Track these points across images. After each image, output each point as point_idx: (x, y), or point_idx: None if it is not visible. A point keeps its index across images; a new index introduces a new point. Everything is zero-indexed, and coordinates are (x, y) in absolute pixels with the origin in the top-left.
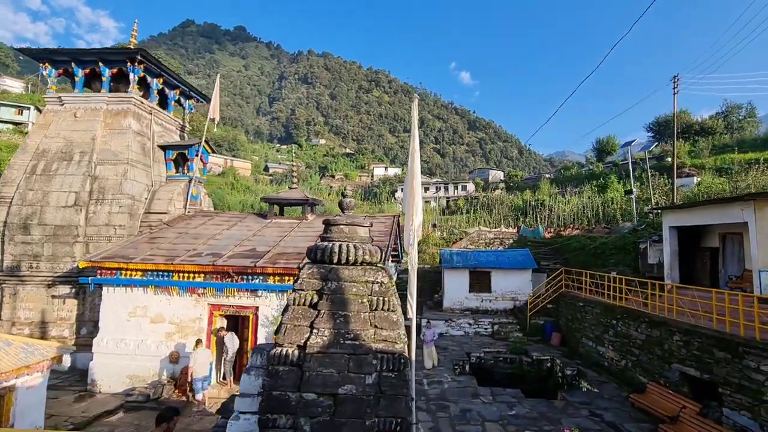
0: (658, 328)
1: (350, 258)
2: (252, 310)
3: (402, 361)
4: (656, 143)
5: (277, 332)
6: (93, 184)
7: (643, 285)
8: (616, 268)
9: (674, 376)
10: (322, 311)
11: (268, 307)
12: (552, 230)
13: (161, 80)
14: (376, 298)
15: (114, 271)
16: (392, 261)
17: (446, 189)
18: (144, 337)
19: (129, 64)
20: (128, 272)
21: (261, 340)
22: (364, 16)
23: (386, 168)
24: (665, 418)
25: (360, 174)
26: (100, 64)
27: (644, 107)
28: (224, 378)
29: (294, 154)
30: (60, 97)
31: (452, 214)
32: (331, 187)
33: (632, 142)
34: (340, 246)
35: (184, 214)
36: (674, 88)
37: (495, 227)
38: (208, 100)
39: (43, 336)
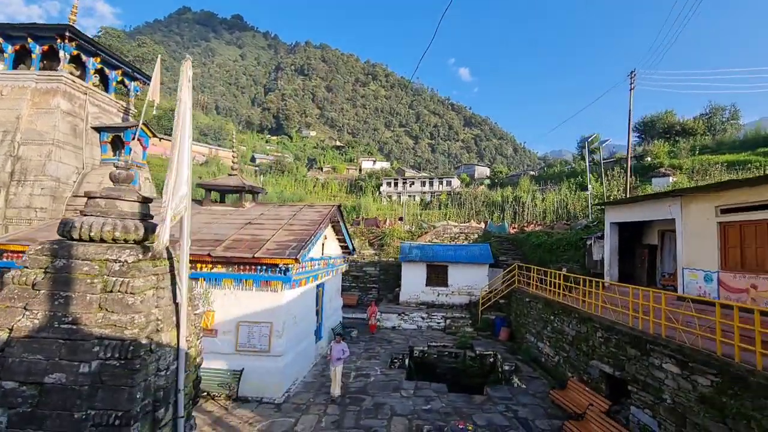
0: (585, 325)
1: (93, 234)
2: None
3: (131, 348)
4: (641, 143)
5: None
6: (15, 165)
7: (582, 282)
8: (566, 264)
9: (595, 373)
10: (41, 291)
11: None
12: (516, 226)
13: (98, 59)
14: (114, 279)
15: (20, 255)
16: (342, 251)
17: (431, 184)
18: None
19: (59, 40)
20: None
21: None
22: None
23: (374, 162)
24: (573, 414)
25: (348, 167)
26: (29, 40)
27: (638, 107)
28: None
29: (282, 145)
30: None
31: (433, 209)
32: (317, 179)
33: (589, 138)
34: (83, 221)
35: None
36: (630, 83)
37: (465, 222)
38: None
39: None
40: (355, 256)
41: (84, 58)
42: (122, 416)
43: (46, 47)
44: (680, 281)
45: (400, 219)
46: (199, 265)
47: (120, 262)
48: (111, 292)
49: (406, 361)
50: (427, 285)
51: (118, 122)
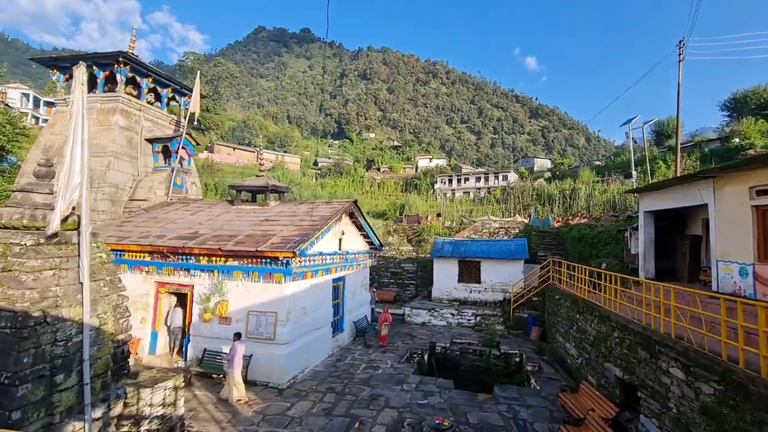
0: (604, 324)
1: (4, 221)
2: (189, 288)
3: (20, 319)
4: (729, 123)
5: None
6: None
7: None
8: (606, 260)
9: (611, 377)
10: None
11: (201, 285)
12: (561, 219)
13: (150, 80)
14: (13, 259)
15: None
16: (370, 247)
17: (486, 179)
18: None
19: (116, 66)
20: None
21: (195, 317)
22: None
23: (431, 159)
24: (572, 419)
25: (405, 166)
26: (94, 67)
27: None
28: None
29: (343, 149)
30: (65, 99)
31: (486, 204)
32: (374, 179)
33: (633, 119)
34: (1, 212)
35: (166, 201)
36: (679, 55)
37: (509, 217)
38: (202, 97)
39: None
40: (394, 252)
41: (138, 79)
42: (10, 377)
43: (107, 72)
44: (714, 276)
45: (438, 215)
46: (214, 259)
47: (21, 245)
48: (9, 271)
49: (425, 356)
50: (459, 281)
51: (169, 134)
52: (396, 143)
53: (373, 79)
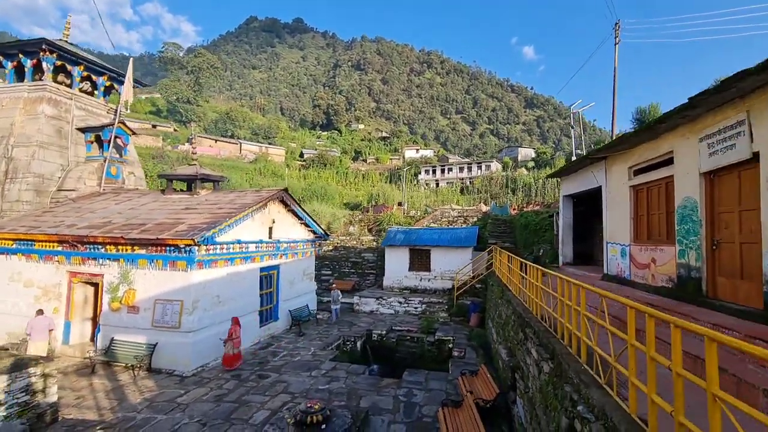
0: (509, 308)
1: None
2: (100, 277)
3: None
4: None
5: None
6: (9, 165)
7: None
8: (543, 246)
9: (504, 359)
10: None
11: (110, 274)
12: (516, 207)
13: (82, 68)
14: None
15: None
16: (314, 236)
17: (470, 169)
18: (18, 299)
19: (42, 53)
20: (4, 241)
21: (105, 307)
22: None
23: (417, 150)
24: (451, 401)
25: (392, 157)
26: (20, 55)
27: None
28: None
29: (332, 140)
30: None
31: (467, 194)
32: (359, 170)
33: (574, 105)
34: None
35: (97, 191)
36: (615, 37)
37: (472, 206)
38: (142, 85)
39: None
40: (355, 242)
41: (69, 67)
42: None
43: (35, 61)
44: (605, 258)
45: (399, 204)
46: (121, 248)
47: None
48: None
49: (358, 344)
50: (410, 270)
51: (104, 123)
52: (384, 134)
53: (367, 70)
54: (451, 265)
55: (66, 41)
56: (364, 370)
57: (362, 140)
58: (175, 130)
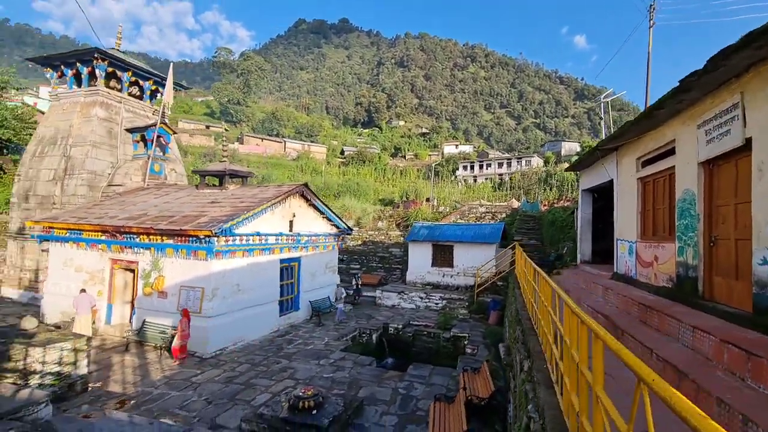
0: (515, 304)
1: None
2: (135, 264)
3: None
4: None
5: None
6: (67, 163)
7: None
8: (568, 243)
9: (504, 357)
10: None
11: (144, 262)
12: (547, 203)
13: (130, 73)
14: None
15: (48, 229)
16: (336, 230)
17: (509, 165)
18: (70, 282)
19: (95, 61)
20: (59, 230)
21: (139, 291)
22: None
23: (457, 146)
24: (444, 396)
25: (430, 153)
26: (78, 64)
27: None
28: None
29: (372, 137)
30: (57, 94)
31: (505, 190)
32: (397, 166)
33: (605, 95)
34: None
35: (141, 186)
36: (650, 20)
37: (503, 202)
38: (183, 88)
39: (36, 279)
40: (383, 237)
41: (119, 73)
42: None
43: (89, 68)
44: (615, 256)
45: (427, 200)
46: (152, 237)
47: None
48: None
49: (374, 336)
50: (433, 265)
51: (149, 123)
52: (425, 130)
53: (410, 66)
54: (474, 262)
55: (117, 50)
56: (370, 362)
57: (402, 137)
58: (225, 129)
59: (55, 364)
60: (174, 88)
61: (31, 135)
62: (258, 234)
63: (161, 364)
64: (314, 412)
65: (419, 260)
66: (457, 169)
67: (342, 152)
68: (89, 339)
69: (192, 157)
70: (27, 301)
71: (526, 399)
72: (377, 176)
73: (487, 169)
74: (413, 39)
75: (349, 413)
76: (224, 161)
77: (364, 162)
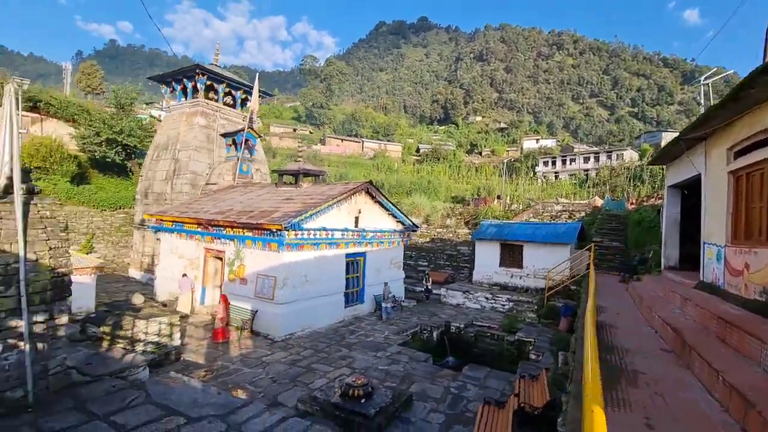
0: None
1: None
2: (222, 253)
3: None
4: None
5: None
6: (176, 165)
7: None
8: (654, 246)
9: (561, 366)
10: None
11: (229, 251)
12: (635, 201)
13: (225, 85)
14: None
15: (159, 221)
16: (402, 227)
17: (597, 159)
18: (175, 267)
19: (197, 76)
20: (166, 222)
21: (226, 278)
22: None
23: (537, 140)
24: (495, 401)
25: (508, 149)
26: (184, 80)
27: None
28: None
29: (448, 134)
30: (169, 107)
31: (585, 187)
32: (473, 163)
33: (708, 75)
34: None
35: (232, 184)
36: None
37: (584, 200)
38: (268, 95)
39: (152, 263)
40: (451, 235)
41: (216, 86)
42: None
43: (193, 83)
44: (701, 262)
45: (498, 197)
46: (235, 230)
47: None
48: None
49: (435, 334)
50: (500, 265)
51: (239, 129)
52: (503, 125)
53: (490, 60)
54: (546, 263)
55: (215, 65)
56: (426, 358)
57: (478, 133)
58: (310, 132)
59: (154, 335)
60: (259, 95)
61: (151, 142)
62: (324, 229)
63: (240, 343)
64: (363, 400)
65: (486, 259)
66: (537, 165)
67: (417, 150)
68: (186, 316)
69: (280, 157)
70: (146, 281)
71: (563, 412)
72: (451, 173)
73: (570, 164)
74: (493, 31)
75: (397, 406)
76: (299, 161)
77: (438, 159)
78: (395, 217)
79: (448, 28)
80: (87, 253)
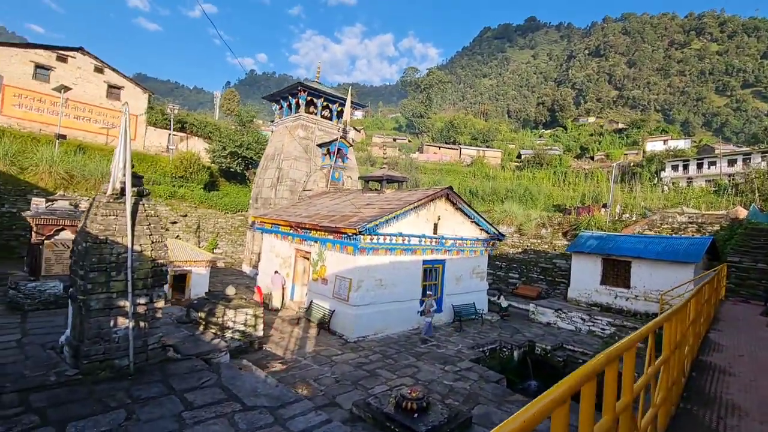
0: None
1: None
2: (309, 254)
3: (91, 239)
4: None
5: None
6: (279, 173)
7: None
8: None
9: None
10: None
11: (313, 252)
12: None
13: (322, 99)
14: (96, 209)
15: (261, 223)
16: (486, 235)
17: (745, 162)
18: (273, 265)
19: (299, 93)
20: (267, 224)
21: (311, 277)
22: None
23: (665, 141)
24: None
25: (627, 152)
26: (289, 97)
27: None
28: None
29: (554, 138)
30: (277, 123)
31: (725, 195)
32: (582, 168)
33: None
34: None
35: (325, 190)
36: None
37: (723, 210)
38: (361, 106)
39: (258, 260)
40: (546, 246)
41: (315, 100)
42: (85, 267)
43: (296, 100)
44: None
45: (604, 206)
46: (318, 233)
47: (100, 202)
48: (95, 215)
49: (515, 353)
50: (602, 283)
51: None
52: (620, 126)
53: (608, 54)
54: (661, 284)
55: (317, 81)
56: (498, 379)
57: (591, 135)
58: (409, 141)
59: (241, 324)
60: (352, 107)
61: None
62: (401, 234)
63: (316, 339)
64: (416, 415)
65: (584, 275)
66: (663, 169)
67: (518, 156)
68: (278, 310)
69: (378, 165)
70: (253, 276)
71: None
72: (555, 180)
73: (709, 168)
74: (613, 23)
75: (453, 426)
76: (384, 167)
77: (541, 165)
78: (478, 224)
79: (560, 25)
80: (212, 250)
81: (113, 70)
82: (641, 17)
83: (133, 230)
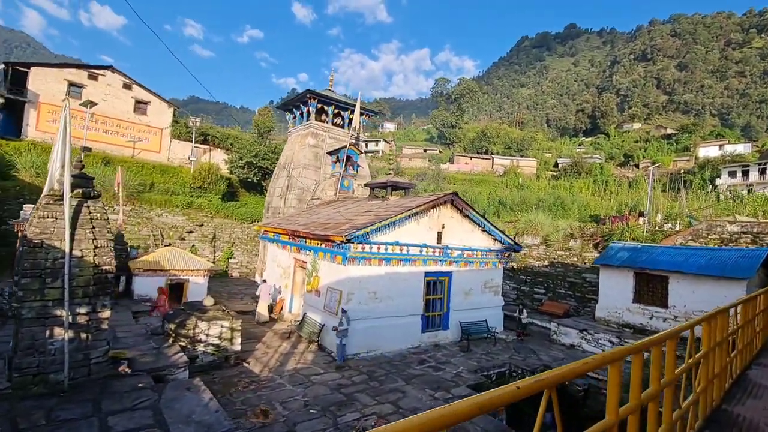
0: None
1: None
2: (305, 263)
3: (28, 243)
4: None
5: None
6: (288, 182)
7: None
8: None
9: None
10: None
11: (308, 262)
12: None
13: (333, 107)
14: (35, 211)
15: (265, 232)
16: (500, 246)
17: None
18: (275, 273)
19: (310, 101)
20: (268, 233)
21: (304, 288)
22: None
23: (721, 146)
24: None
25: (676, 158)
26: (301, 105)
27: None
28: None
29: (596, 146)
30: (290, 131)
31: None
32: (626, 177)
33: None
34: None
35: (333, 198)
36: None
37: None
38: (374, 113)
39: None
40: (575, 259)
41: (326, 108)
42: (19, 272)
43: (307, 108)
44: None
45: (641, 215)
46: (312, 241)
47: (40, 203)
48: (34, 218)
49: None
50: (634, 301)
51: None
52: (669, 131)
53: (656, 58)
54: (704, 303)
55: (330, 89)
56: (495, 412)
57: (636, 142)
58: (439, 151)
59: (215, 337)
60: (362, 113)
61: None
62: (397, 243)
63: (302, 357)
64: None
65: (614, 291)
66: (719, 176)
67: (556, 164)
68: (265, 323)
69: (408, 177)
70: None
71: None
72: (595, 189)
73: (739, 178)
74: (661, 25)
75: None
76: (389, 174)
77: (579, 174)
78: (490, 234)
79: (602, 31)
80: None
81: (140, 86)
82: (692, 18)
83: (72, 234)
